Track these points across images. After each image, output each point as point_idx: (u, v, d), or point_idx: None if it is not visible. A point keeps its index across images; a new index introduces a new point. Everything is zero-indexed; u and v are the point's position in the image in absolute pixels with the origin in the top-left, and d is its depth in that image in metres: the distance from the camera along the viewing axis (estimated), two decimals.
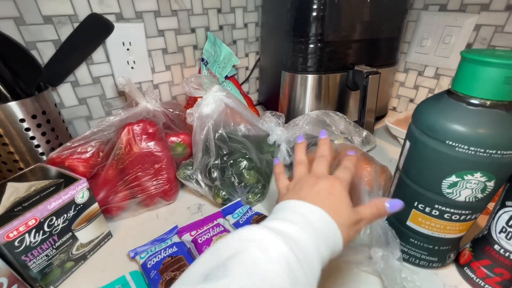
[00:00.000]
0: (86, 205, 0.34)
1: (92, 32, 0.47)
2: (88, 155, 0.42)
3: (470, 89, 0.25)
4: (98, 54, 0.54)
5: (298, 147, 0.34)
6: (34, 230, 0.29)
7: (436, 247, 0.32)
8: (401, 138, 0.58)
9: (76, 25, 0.50)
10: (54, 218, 0.31)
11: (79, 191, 0.33)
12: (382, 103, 0.69)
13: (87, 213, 0.35)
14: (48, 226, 0.30)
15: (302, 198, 0.25)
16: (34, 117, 0.41)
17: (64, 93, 0.54)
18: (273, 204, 0.44)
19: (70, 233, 0.33)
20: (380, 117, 0.71)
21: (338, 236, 0.23)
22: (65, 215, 0.32)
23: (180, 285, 0.19)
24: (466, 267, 0.32)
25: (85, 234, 0.35)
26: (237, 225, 0.40)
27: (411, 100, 0.74)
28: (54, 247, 0.31)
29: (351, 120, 0.57)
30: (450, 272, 0.34)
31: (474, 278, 0.31)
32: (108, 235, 0.39)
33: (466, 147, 0.25)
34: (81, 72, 0.54)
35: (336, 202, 0.25)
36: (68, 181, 0.33)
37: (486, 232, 0.31)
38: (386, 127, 0.65)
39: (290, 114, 0.64)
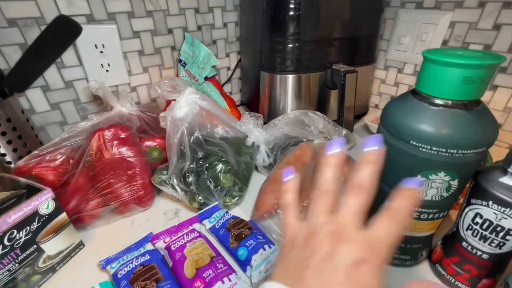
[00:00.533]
0: (52, 215, 0.33)
1: (60, 35, 0.45)
2: (57, 162, 0.41)
3: (432, 89, 0.25)
4: (69, 58, 0.53)
5: (330, 159, 0.21)
6: None
7: (408, 246, 0.32)
8: None
9: (43, 27, 0.48)
10: (15, 231, 0.29)
11: (43, 202, 0.32)
12: (362, 101, 0.69)
13: (54, 224, 0.34)
14: (9, 240, 0.29)
15: (303, 285, 0.16)
16: None
17: (34, 98, 0.52)
18: (251, 208, 0.44)
19: (35, 246, 0.32)
20: (361, 115, 0.72)
21: None
22: (28, 227, 0.31)
23: None
24: (437, 264, 0.33)
25: (52, 246, 0.34)
26: (213, 230, 0.39)
27: (392, 97, 0.75)
28: (17, 261, 0.30)
29: (331, 119, 0.57)
30: (423, 270, 0.34)
31: (445, 275, 0.32)
32: (80, 245, 0.38)
33: (429, 147, 0.25)
34: (52, 76, 0.52)
35: None
36: (31, 191, 0.32)
37: (455, 229, 0.31)
38: (366, 125, 0.65)
39: (271, 115, 0.64)
